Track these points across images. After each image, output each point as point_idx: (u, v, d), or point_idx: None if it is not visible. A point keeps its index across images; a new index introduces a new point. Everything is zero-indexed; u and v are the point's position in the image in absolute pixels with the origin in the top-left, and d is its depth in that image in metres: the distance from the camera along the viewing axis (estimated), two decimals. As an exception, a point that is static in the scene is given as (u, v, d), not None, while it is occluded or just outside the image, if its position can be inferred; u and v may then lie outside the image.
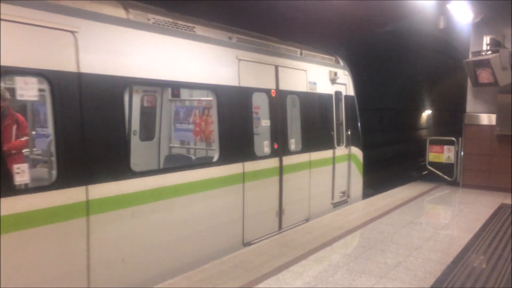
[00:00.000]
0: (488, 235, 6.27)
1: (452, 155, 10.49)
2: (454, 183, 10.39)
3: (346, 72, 8.98)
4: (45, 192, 3.68)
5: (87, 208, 3.97)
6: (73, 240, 3.87)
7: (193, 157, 6.77)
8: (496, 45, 9.41)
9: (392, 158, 19.01)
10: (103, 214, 4.11)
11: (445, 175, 10.61)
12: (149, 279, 4.55)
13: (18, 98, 3.73)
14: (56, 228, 3.73)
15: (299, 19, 9.36)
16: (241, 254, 5.38)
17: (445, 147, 10.65)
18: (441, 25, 9.14)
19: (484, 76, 9.38)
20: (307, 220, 7.34)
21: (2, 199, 3.35)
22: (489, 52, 9.40)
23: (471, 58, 9.70)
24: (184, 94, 7.47)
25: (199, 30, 5.49)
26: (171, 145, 7.39)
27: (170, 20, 5.10)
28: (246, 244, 5.98)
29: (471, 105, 10.15)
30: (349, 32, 11.08)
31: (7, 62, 3.42)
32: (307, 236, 6.11)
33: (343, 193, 8.67)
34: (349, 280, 4.58)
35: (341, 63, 8.90)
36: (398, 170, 15.39)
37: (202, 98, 7.07)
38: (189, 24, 5.36)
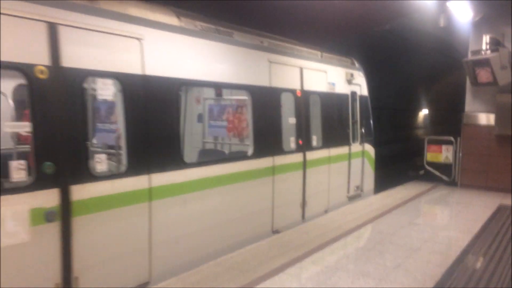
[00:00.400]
0: (488, 236, 6.19)
1: (450, 155, 10.41)
2: (452, 183, 10.32)
3: (361, 74, 9.47)
4: (119, 179, 4.24)
5: (150, 194, 4.50)
6: (139, 222, 4.43)
7: (226, 152, 7.25)
8: (495, 44, 9.32)
9: (389, 157, 18.92)
10: (162, 200, 4.65)
11: (443, 175, 10.54)
12: (197, 259, 5.07)
13: (98, 97, 4.32)
14: (126, 211, 4.29)
15: (293, 16, 9.22)
16: (237, 255, 5.27)
17: (443, 146, 10.58)
18: (442, 23, 9.03)
19: (484, 75, 9.30)
20: (326, 211, 7.80)
21: (81, 185, 3.89)
22: (489, 51, 9.31)
23: (470, 57, 9.62)
24: (211, 93, 7.75)
25: (236, 35, 5.99)
26: (204, 140, 7.85)
27: (213, 26, 5.61)
28: (275, 231, 6.48)
29: (470, 104, 10.08)
30: (346, 31, 10.96)
31: (91, 66, 4.02)
32: (305, 237, 6.01)
33: (357, 187, 9.12)
34: (347, 283, 4.48)
35: (356, 64, 9.40)
36: (395, 170, 15.30)
37: (235, 97, 7.43)
38: (228, 30, 5.86)
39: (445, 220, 7.62)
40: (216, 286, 4.38)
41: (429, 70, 21.56)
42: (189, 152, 7.22)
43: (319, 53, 7.96)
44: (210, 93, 7.68)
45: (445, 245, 5.80)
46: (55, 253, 3.73)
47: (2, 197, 3.38)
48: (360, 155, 9.15)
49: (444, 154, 10.54)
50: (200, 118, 7.68)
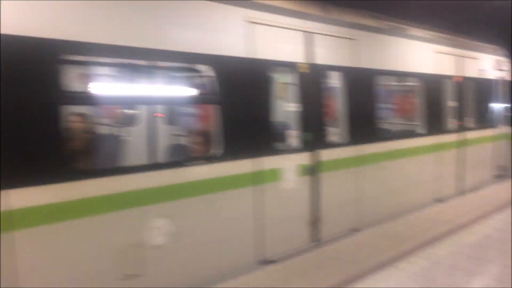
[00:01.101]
0: None
1: None
2: None
3: (506, 60, 9.87)
4: (344, 148, 5.41)
5: (364, 160, 5.67)
6: (354, 181, 5.59)
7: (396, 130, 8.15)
8: None
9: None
10: (367, 165, 5.74)
11: None
12: (384, 216, 6.03)
13: (331, 86, 5.68)
14: (348, 171, 5.47)
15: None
16: (341, 245, 5.14)
17: None
18: None
19: None
20: (476, 187, 8.30)
21: (323, 150, 5.14)
22: None
23: None
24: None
25: (409, 30, 6.84)
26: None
27: (394, 24, 6.52)
28: (437, 200, 7.27)
29: None
30: (451, 6, 10.06)
31: (329, 62, 5.26)
32: (413, 230, 5.69)
33: (501, 167, 9.53)
34: (463, 282, 4.17)
35: (502, 51, 9.79)
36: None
37: (404, 83, 8.21)
38: (404, 26, 6.75)
39: None
40: (323, 275, 4.30)
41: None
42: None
43: (471, 42, 8.52)
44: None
45: None
46: (310, 197, 5.05)
47: (284, 156, 4.73)
48: (504, 137, 9.60)
49: None
50: None
